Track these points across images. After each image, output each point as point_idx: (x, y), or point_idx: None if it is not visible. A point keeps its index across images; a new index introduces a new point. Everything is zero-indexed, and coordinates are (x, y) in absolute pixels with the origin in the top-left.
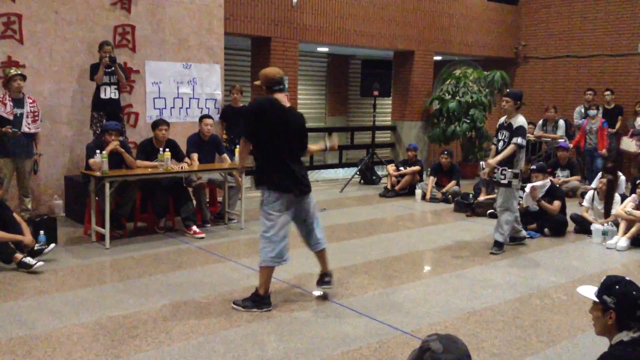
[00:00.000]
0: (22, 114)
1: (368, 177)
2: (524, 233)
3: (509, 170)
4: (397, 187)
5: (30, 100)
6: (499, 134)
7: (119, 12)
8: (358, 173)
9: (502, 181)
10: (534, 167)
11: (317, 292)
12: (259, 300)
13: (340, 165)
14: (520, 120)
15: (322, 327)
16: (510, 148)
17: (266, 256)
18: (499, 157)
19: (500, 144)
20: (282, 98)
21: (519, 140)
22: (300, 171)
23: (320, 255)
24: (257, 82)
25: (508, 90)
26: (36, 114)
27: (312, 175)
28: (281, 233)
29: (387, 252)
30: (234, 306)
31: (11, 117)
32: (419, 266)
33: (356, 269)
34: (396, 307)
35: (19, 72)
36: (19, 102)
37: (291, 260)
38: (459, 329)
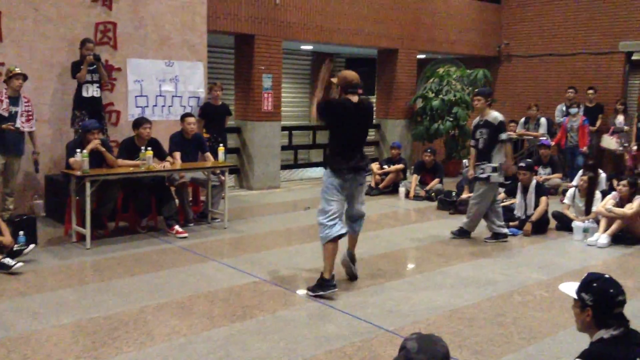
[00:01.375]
0: (16, 112)
1: None
2: (505, 230)
3: (488, 164)
4: (381, 186)
5: (26, 100)
6: (477, 133)
7: (100, 9)
8: None
9: (481, 175)
10: (522, 164)
11: (303, 291)
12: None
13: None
14: (496, 115)
15: (305, 327)
16: (508, 147)
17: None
18: (510, 158)
19: (480, 142)
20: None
21: (504, 135)
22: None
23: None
24: (335, 80)
25: (477, 89)
26: (30, 113)
27: (297, 174)
28: None
29: (370, 250)
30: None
31: (6, 114)
32: (402, 264)
33: (339, 267)
34: (379, 306)
35: (22, 72)
36: (15, 100)
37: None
38: (441, 326)
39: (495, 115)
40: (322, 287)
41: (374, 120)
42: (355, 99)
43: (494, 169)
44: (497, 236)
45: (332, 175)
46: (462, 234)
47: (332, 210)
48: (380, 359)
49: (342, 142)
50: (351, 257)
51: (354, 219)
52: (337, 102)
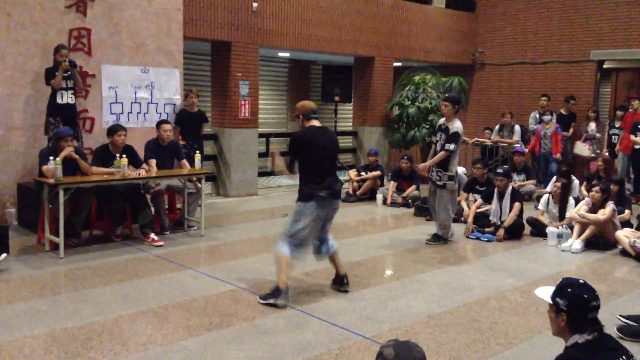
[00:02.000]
0: None
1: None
2: (452, 231)
3: (444, 172)
4: (358, 192)
5: None
6: (437, 135)
7: (74, 15)
8: None
9: (438, 182)
10: (500, 170)
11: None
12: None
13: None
14: (456, 125)
15: (282, 334)
16: (440, 154)
17: None
18: (429, 162)
19: (438, 145)
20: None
21: (452, 147)
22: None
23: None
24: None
25: (447, 94)
26: None
27: (274, 181)
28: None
29: (348, 257)
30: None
31: None
32: (380, 271)
33: (318, 274)
34: (357, 312)
35: None
36: None
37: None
38: (418, 333)
39: (455, 124)
40: (275, 296)
41: (350, 128)
42: (317, 123)
43: (450, 178)
44: (438, 238)
45: (306, 203)
46: (437, 239)
47: (302, 235)
48: None
49: (315, 168)
50: (340, 281)
51: (324, 240)
52: (303, 131)
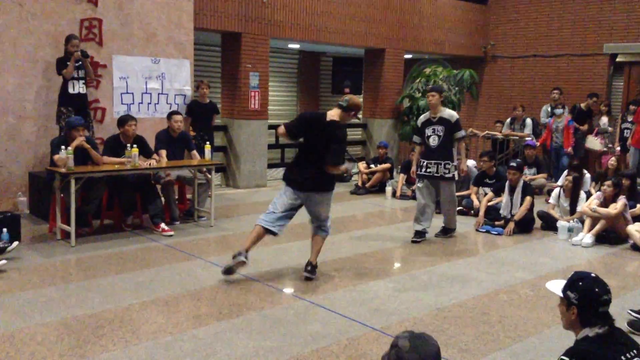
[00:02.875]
0: None
1: (339, 174)
2: (426, 226)
3: (452, 164)
4: (367, 185)
5: None
6: (428, 130)
7: (86, 5)
8: None
9: (447, 175)
10: (512, 164)
11: (290, 290)
12: None
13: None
14: (451, 112)
15: (292, 325)
16: (463, 146)
17: None
18: (464, 160)
19: (433, 139)
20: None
21: (463, 132)
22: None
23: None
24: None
25: (431, 85)
26: None
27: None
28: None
29: (357, 249)
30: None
31: None
32: (389, 263)
33: (326, 266)
34: (366, 304)
35: None
36: None
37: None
38: (427, 325)
39: (450, 112)
40: (233, 257)
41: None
42: (335, 113)
43: (456, 167)
44: (420, 235)
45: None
46: (446, 232)
47: (271, 206)
48: (367, 357)
49: (299, 153)
50: (309, 268)
51: (318, 227)
52: (309, 111)
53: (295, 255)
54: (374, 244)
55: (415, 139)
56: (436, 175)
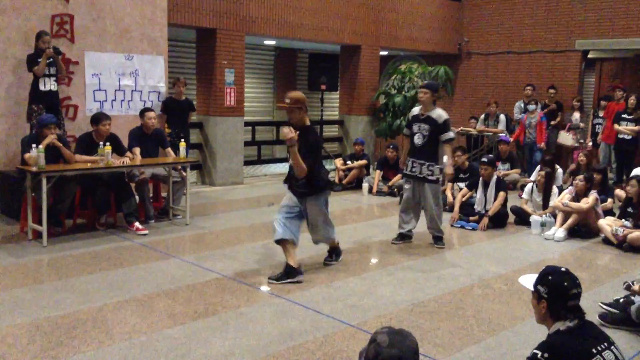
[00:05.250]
0: None
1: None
2: (409, 228)
3: (437, 166)
4: (344, 181)
5: None
6: (415, 126)
7: (57, 0)
8: None
9: (430, 177)
10: (484, 159)
11: (266, 287)
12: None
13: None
14: (441, 112)
15: (268, 323)
16: (449, 148)
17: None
18: (448, 161)
19: (418, 137)
20: None
21: (451, 134)
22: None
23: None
24: (287, 103)
25: (426, 82)
26: None
27: (261, 169)
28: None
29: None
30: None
31: None
32: (365, 259)
33: (303, 263)
34: (342, 301)
35: None
36: None
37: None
38: (403, 320)
39: (439, 112)
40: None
41: (337, 117)
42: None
43: (441, 170)
44: (402, 237)
45: None
46: (442, 240)
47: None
48: (343, 354)
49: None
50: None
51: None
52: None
53: (272, 253)
54: (350, 240)
55: (405, 131)
56: (419, 176)
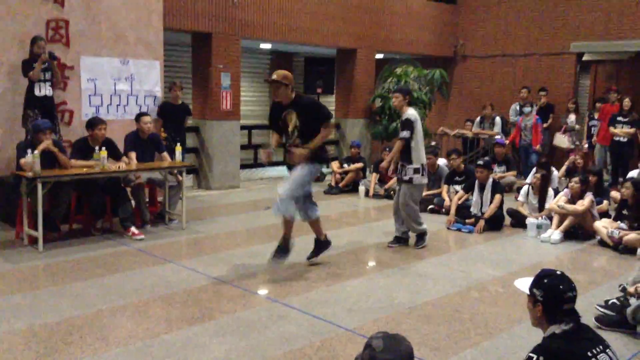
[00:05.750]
0: None
1: None
2: (404, 230)
3: (408, 166)
4: (341, 184)
5: None
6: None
7: (52, 5)
8: None
9: (404, 177)
10: (480, 162)
11: (263, 292)
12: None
13: (285, 163)
14: (409, 113)
15: (265, 327)
16: (397, 145)
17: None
18: (389, 157)
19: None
20: None
21: (405, 134)
22: None
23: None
24: (274, 78)
25: (396, 87)
26: None
27: (257, 173)
28: None
29: (330, 249)
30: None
31: None
32: (362, 262)
33: (300, 266)
34: (339, 304)
35: None
36: None
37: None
38: (400, 324)
39: (408, 113)
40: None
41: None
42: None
43: (415, 170)
44: (397, 240)
45: None
46: (422, 237)
47: None
48: (340, 358)
49: None
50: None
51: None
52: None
53: (268, 257)
54: (347, 243)
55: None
56: (399, 177)
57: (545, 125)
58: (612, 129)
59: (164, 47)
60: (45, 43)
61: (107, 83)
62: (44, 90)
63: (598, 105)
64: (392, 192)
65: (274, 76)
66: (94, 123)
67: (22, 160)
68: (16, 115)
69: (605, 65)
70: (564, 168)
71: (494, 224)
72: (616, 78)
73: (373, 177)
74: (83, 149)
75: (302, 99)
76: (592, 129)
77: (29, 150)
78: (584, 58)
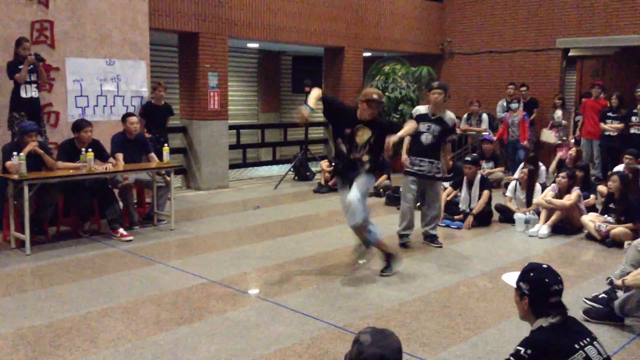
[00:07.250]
0: None
1: (302, 173)
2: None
3: (439, 164)
4: (330, 183)
5: None
6: (422, 125)
7: (36, 7)
8: (292, 169)
9: (438, 175)
10: (468, 159)
11: (253, 291)
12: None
13: (274, 162)
14: (452, 116)
15: (255, 327)
16: (449, 148)
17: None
18: (448, 157)
19: (426, 137)
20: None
21: (453, 136)
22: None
23: None
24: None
25: (438, 82)
26: None
27: (246, 173)
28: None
29: (320, 247)
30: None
31: None
32: (351, 260)
33: (290, 265)
34: (329, 302)
35: None
36: None
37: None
38: (390, 320)
39: (451, 115)
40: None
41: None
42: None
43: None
44: (432, 237)
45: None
46: (431, 239)
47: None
48: (330, 356)
49: None
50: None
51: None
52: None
53: (258, 257)
54: (336, 241)
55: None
56: (428, 174)
57: (529, 119)
58: (602, 125)
59: (150, 47)
60: (31, 44)
61: (93, 84)
62: (30, 92)
63: (584, 100)
64: (381, 190)
65: (375, 96)
66: (80, 126)
67: (8, 163)
68: (2, 118)
69: (591, 61)
70: (554, 163)
71: (483, 219)
72: (602, 73)
73: None
74: (69, 151)
75: (383, 121)
76: (578, 123)
77: (15, 153)
78: (570, 54)
